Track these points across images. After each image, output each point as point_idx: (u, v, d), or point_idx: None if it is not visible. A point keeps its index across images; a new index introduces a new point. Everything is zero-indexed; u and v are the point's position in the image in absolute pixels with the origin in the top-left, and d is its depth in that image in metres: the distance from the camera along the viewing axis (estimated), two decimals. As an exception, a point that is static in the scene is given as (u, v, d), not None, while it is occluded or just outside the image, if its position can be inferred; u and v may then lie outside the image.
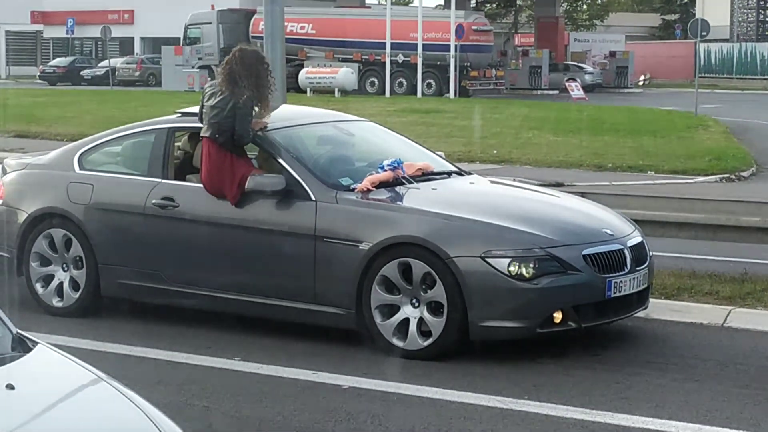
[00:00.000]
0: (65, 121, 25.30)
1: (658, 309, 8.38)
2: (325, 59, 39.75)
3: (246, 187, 7.61)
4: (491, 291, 6.97)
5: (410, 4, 42.80)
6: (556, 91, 40.29)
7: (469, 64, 39.57)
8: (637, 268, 7.62)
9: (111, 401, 3.95)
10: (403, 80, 38.89)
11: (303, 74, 37.77)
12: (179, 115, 8.93)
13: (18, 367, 3.85)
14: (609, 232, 7.74)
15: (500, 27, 45.15)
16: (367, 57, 39.73)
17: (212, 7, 43.10)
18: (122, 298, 8.41)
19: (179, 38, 43.04)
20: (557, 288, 7.19)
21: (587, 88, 40.02)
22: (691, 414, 6.25)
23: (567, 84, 39.94)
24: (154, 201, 7.91)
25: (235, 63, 7.96)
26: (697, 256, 10.19)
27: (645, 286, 7.80)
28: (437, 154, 9.08)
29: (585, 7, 60.13)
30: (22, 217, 8.43)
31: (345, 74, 38.03)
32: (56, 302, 8.33)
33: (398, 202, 7.76)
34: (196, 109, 8.34)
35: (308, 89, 36.13)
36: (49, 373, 4.08)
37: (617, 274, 7.42)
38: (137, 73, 46.87)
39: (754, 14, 52.23)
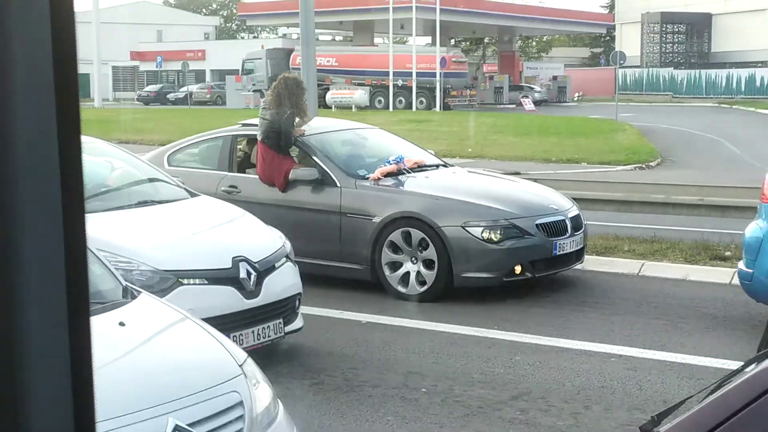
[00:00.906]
0: (156, 131, 25.24)
1: (591, 263, 8.46)
2: (345, 84, 40.75)
3: (289, 177, 7.78)
4: (469, 251, 7.12)
5: (406, 43, 43.81)
6: (514, 105, 41.01)
7: (450, 86, 40.27)
8: (575, 233, 7.71)
9: (193, 333, 3.98)
10: (402, 98, 39.59)
11: (329, 95, 38.61)
12: (240, 125, 9.00)
13: (127, 310, 3.90)
14: (554, 207, 7.82)
15: (472, 59, 46.93)
16: (375, 82, 40.38)
17: (262, 47, 44.21)
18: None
19: (238, 70, 43.87)
20: (517, 248, 7.31)
21: (536, 103, 40.93)
22: (615, 339, 6.40)
23: (521, 100, 40.38)
24: (222, 188, 8.00)
25: (281, 87, 8.05)
26: (618, 224, 10.22)
27: (581, 246, 7.90)
28: (429, 152, 9.21)
29: (534, 43, 61.76)
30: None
31: (360, 95, 38.98)
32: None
33: (400, 187, 7.83)
34: (253, 120, 8.50)
35: (333, 106, 37.05)
36: (149, 314, 4.10)
37: (560, 237, 7.54)
38: (208, 96, 48.03)
39: (658, 47, 52.97)
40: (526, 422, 4.94)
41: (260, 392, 3.57)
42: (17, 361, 0.59)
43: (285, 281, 5.85)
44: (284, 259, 5.99)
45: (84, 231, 0.63)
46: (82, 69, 42.85)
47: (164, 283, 5.24)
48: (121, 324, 3.73)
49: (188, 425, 3.21)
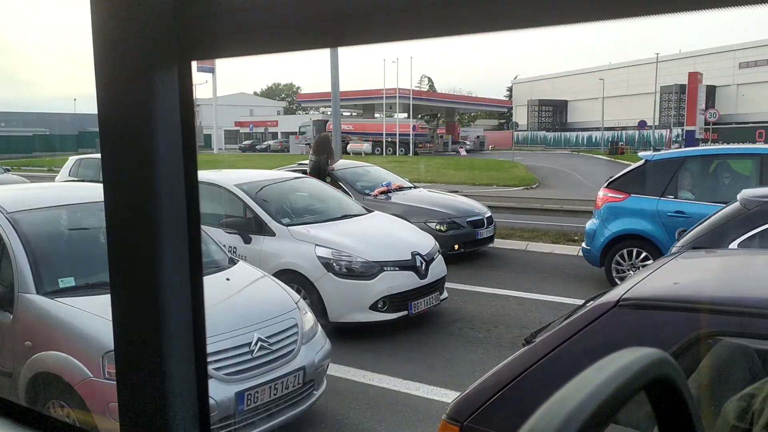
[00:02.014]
0: (247, 166, 32.01)
1: (498, 243, 10.41)
2: (358, 140, 51.31)
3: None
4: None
5: (393, 116, 54.62)
6: (454, 153, 50.76)
7: (418, 141, 50.68)
8: (489, 226, 9.57)
9: (269, 284, 4.79)
10: (391, 148, 50.29)
11: (349, 146, 47.70)
12: (297, 164, 10.37)
13: (231, 271, 4.76)
14: (477, 211, 9.65)
15: (431, 126, 59.24)
16: (375, 139, 51.38)
17: (310, 119, 56.84)
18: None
19: (296, 131, 56.13)
20: (456, 235, 9.13)
21: (468, 151, 51.53)
22: (511, 286, 8.14)
23: (459, 149, 51.95)
24: None
25: (318, 142, 9.78)
26: (513, 221, 12.83)
27: (492, 234, 9.72)
28: (405, 179, 10.91)
29: (466, 117, 79.81)
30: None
31: (366, 146, 50.17)
32: None
33: (389, 200, 9.43)
34: (305, 161, 10.08)
35: (351, 153, 45.85)
36: (244, 273, 4.84)
37: (480, 228, 9.37)
38: (279, 147, 60.62)
39: (537, 119, 69.50)
40: (461, 335, 6.24)
41: (307, 318, 4.48)
42: (159, 305, 0.73)
43: (440, 267, 6.68)
44: (437, 252, 6.82)
45: (199, 229, 0.76)
46: (206, 131, 59.11)
47: (373, 269, 6.11)
48: (227, 279, 4.62)
49: (266, 337, 4.08)
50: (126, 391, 0.79)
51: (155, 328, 0.76)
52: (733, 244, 4.15)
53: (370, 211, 7.44)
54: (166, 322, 0.76)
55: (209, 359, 3.61)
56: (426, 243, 6.74)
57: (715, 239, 4.26)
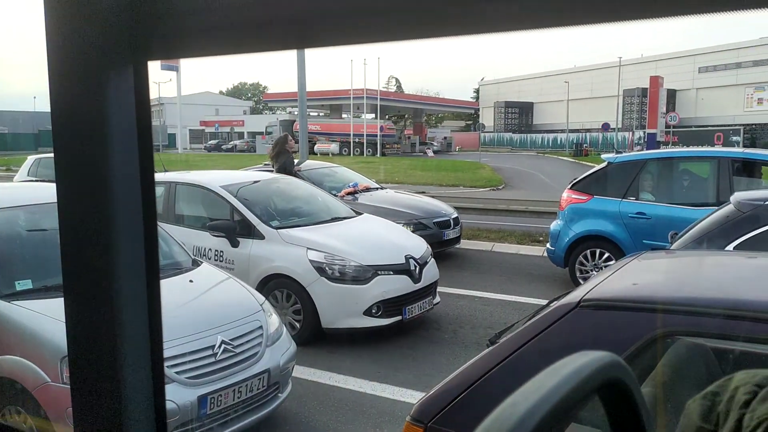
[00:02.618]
0: (213, 167, 29.95)
1: (464, 244, 10.45)
2: (325, 140, 51.70)
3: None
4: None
5: (361, 117, 55.10)
6: (422, 154, 51.43)
7: (385, 142, 51.01)
8: (455, 227, 9.63)
9: (233, 286, 4.76)
10: (358, 149, 50.56)
11: (316, 147, 47.94)
12: (263, 165, 10.43)
13: (195, 272, 4.76)
14: (443, 212, 9.71)
15: (398, 127, 59.51)
16: (342, 139, 51.81)
17: (277, 119, 57.24)
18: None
19: (263, 131, 55.30)
20: (422, 236, 8.31)
21: (435, 152, 52.06)
22: (477, 286, 8.23)
23: (426, 150, 52.74)
24: None
25: (278, 143, 9.74)
26: (480, 222, 12.90)
27: (458, 234, 9.78)
28: (372, 180, 10.94)
29: (433, 118, 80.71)
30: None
31: (333, 147, 50.44)
32: None
33: (356, 201, 9.39)
34: (269, 162, 9.76)
35: (318, 153, 45.80)
36: (208, 275, 4.82)
37: (447, 229, 9.46)
38: (245, 147, 60.53)
39: (503, 120, 69.81)
40: (427, 336, 6.30)
41: (272, 320, 4.46)
42: (114, 309, 0.72)
43: (433, 270, 6.59)
44: (430, 256, 6.73)
45: (156, 232, 0.74)
46: (170, 130, 59.85)
47: (367, 273, 6.00)
48: (191, 281, 4.59)
49: (230, 340, 4.06)
50: (80, 397, 0.77)
51: (110, 333, 0.74)
52: (729, 247, 4.18)
53: (359, 214, 7.37)
54: (121, 326, 0.74)
55: (172, 363, 3.61)
56: (419, 246, 6.69)
57: (710, 242, 4.28)
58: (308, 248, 6.04)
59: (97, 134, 0.71)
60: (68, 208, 0.75)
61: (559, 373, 0.49)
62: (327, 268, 5.90)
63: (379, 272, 6.05)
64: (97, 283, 0.74)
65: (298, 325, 5.98)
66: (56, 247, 0.73)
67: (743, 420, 0.96)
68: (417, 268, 6.30)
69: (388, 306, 5.99)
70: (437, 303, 6.67)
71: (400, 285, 6.13)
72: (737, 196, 4.70)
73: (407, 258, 6.28)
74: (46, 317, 3.56)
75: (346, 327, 5.88)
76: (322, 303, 5.85)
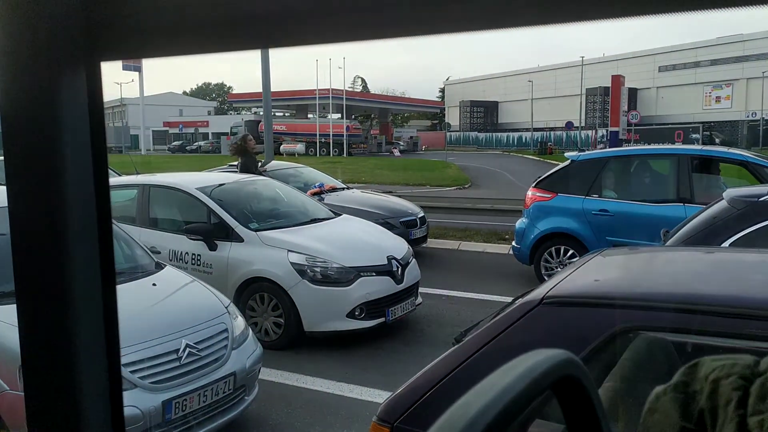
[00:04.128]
0: (177, 168, 30.50)
1: (431, 243, 10.55)
2: (291, 141, 51.79)
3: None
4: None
5: (327, 117, 55.45)
6: (388, 153, 51.56)
7: (351, 142, 51.09)
8: (422, 226, 9.75)
9: (198, 289, 4.75)
10: (325, 149, 50.75)
11: (282, 147, 47.98)
12: (227, 166, 10.50)
13: (158, 276, 4.69)
14: (410, 211, 9.80)
15: (364, 126, 59.43)
16: (309, 140, 52.08)
17: (242, 119, 57.56)
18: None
19: (228, 132, 55.02)
20: None
21: (402, 152, 52.22)
22: (444, 285, 8.21)
23: (392, 150, 52.86)
24: None
25: (237, 143, 9.80)
26: (446, 221, 12.94)
27: (425, 233, 9.90)
28: (338, 180, 10.97)
29: (399, 118, 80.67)
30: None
31: (299, 147, 50.55)
32: None
33: (322, 201, 9.17)
34: (234, 163, 9.95)
35: (284, 153, 46.00)
36: (171, 278, 4.78)
37: (414, 228, 9.54)
38: (210, 148, 59.90)
39: (468, 120, 70.84)
40: (394, 336, 6.30)
41: (237, 323, 4.46)
42: (68, 315, 0.71)
43: (414, 271, 6.58)
44: (412, 256, 6.72)
45: (111, 236, 0.73)
46: (133, 132, 58.22)
47: (349, 275, 5.95)
48: (154, 284, 4.53)
49: (195, 343, 4.03)
50: (34, 404, 0.76)
51: (65, 339, 0.73)
52: (725, 244, 4.18)
53: (338, 215, 7.29)
54: (76, 332, 0.73)
55: (135, 367, 3.58)
56: (400, 247, 6.66)
57: (704, 239, 4.27)
58: (289, 250, 5.97)
59: (48, 136, 0.70)
60: (19, 212, 0.73)
61: (513, 371, 0.50)
62: (309, 271, 5.84)
63: (362, 274, 6.02)
64: (50, 287, 0.74)
65: (279, 329, 5.93)
66: (9, 252, 0.71)
67: (748, 422, 0.93)
68: (399, 269, 6.28)
69: (371, 308, 5.95)
70: (420, 304, 6.67)
71: (383, 286, 6.10)
72: (730, 192, 4.66)
73: (389, 259, 6.26)
74: (3, 323, 3.48)
75: (329, 330, 5.83)
76: (305, 306, 5.79)
